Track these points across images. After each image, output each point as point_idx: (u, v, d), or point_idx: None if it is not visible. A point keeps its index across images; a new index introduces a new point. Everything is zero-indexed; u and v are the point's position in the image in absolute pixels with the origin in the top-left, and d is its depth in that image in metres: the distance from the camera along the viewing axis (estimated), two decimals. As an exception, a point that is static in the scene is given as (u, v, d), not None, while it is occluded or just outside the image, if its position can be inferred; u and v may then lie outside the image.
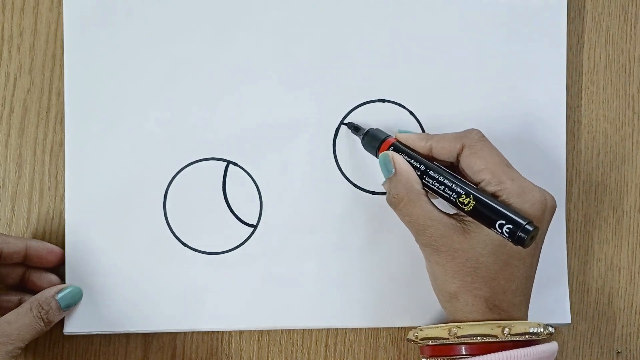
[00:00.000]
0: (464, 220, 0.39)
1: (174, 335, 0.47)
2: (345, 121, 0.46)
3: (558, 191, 0.47)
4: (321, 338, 0.47)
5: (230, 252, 0.46)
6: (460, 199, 0.38)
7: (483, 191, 0.39)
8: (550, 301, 0.47)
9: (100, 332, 0.45)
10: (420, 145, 0.42)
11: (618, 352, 0.49)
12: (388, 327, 0.47)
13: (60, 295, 0.43)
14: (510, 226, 0.36)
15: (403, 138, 0.43)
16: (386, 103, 0.47)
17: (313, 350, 0.47)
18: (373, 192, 0.47)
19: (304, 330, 0.47)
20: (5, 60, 0.47)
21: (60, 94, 0.47)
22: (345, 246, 0.46)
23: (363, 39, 0.47)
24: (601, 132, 0.49)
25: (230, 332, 0.47)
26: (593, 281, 0.49)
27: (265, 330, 0.47)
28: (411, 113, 0.47)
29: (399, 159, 0.41)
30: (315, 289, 0.46)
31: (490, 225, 0.37)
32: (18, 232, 0.46)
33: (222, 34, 0.46)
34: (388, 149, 0.42)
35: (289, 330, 0.47)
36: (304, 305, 0.46)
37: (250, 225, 0.46)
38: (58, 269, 0.45)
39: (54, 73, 0.47)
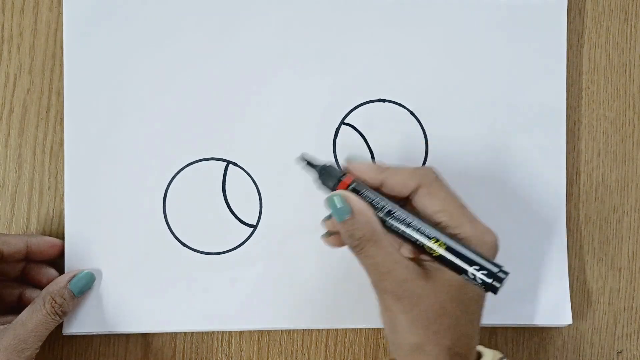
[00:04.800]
0: (423, 263, 0.37)
1: (174, 335, 0.46)
2: (303, 155, 0.40)
3: (558, 191, 0.47)
4: (321, 338, 0.47)
5: (230, 252, 0.46)
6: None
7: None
8: (551, 301, 0.47)
9: (99, 333, 0.45)
10: (372, 177, 0.38)
11: (619, 352, 0.49)
12: (388, 327, 0.47)
13: (72, 282, 0.43)
14: (484, 273, 0.35)
15: (354, 168, 0.39)
16: (386, 103, 0.47)
17: (313, 351, 0.47)
18: (373, 192, 0.47)
19: (304, 330, 0.47)
20: (5, 60, 0.47)
21: (60, 94, 0.47)
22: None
23: (363, 39, 0.47)
24: (602, 132, 0.49)
25: (230, 332, 0.47)
26: (593, 281, 0.49)
27: (265, 330, 0.47)
28: (411, 113, 0.47)
29: (354, 198, 0.37)
30: (315, 289, 0.46)
31: (461, 271, 0.36)
32: (17, 232, 0.46)
33: (222, 34, 0.46)
34: (347, 189, 0.38)
35: (289, 330, 0.47)
36: (304, 305, 0.46)
37: (250, 226, 0.46)
38: (56, 262, 0.45)
39: (53, 73, 0.47)
